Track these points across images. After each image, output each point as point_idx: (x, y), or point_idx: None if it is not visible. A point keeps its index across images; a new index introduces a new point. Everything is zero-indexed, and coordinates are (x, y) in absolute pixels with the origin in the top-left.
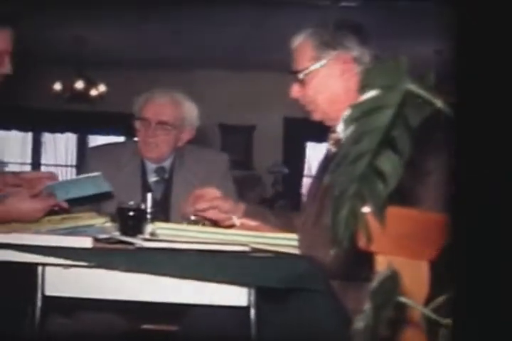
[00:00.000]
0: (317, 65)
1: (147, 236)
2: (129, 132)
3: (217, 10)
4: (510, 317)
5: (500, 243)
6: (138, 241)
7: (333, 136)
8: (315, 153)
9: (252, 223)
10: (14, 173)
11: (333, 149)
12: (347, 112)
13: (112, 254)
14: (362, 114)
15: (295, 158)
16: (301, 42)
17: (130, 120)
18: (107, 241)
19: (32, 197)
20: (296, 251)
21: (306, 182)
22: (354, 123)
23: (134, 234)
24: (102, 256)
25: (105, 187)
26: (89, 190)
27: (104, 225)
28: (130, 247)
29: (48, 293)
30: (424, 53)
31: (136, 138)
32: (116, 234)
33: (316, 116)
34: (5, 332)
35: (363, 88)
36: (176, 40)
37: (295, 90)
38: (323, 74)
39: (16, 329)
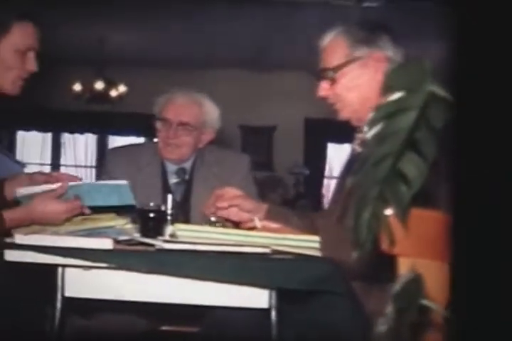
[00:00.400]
0: (350, 63)
1: (167, 238)
2: (149, 133)
3: (239, 9)
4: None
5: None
6: (158, 243)
7: (360, 136)
8: (336, 154)
9: (274, 225)
10: (41, 172)
11: (359, 149)
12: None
13: (132, 256)
14: (385, 116)
15: (316, 159)
16: (333, 40)
17: (150, 120)
18: (127, 242)
19: (58, 199)
20: (317, 253)
21: (327, 183)
22: (377, 124)
23: (154, 236)
24: (122, 258)
25: (130, 199)
26: (114, 201)
27: (124, 226)
28: (150, 249)
29: (67, 294)
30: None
31: (156, 139)
32: (137, 236)
33: (344, 115)
34: (25, 333)
35: (386, 90)
36: (197, 40)
37: (324, 88)
38: (355, 73)
39: (36, 330)
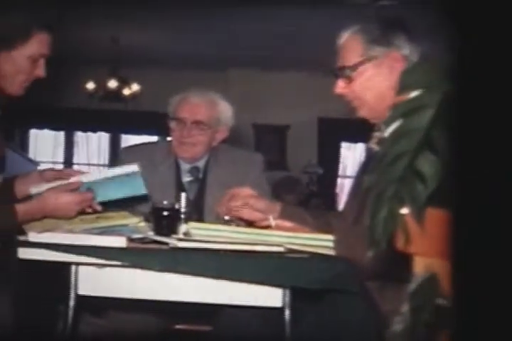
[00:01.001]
0: (366, 62)
1: (181, 236)
2: (162, 131)
3: (252, 9)
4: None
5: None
6: (172, 241)
7: (377, 134)
8: (349, 153)
9: (288, 224)
10: (52, 169)
11: (376, 148)
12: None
13: (146, 254)
14: (402, 115)
15: (329, 158)
16: (350, 38)
17: (163, 119)
18: (141, 241)
19: (70, 191)
20: (331, 252)
21: (341, 182)
22: (394, 123)
23: (168, 234)
24: (136, 256)
25: (142, 188)
26: (126, 191)
27: (137, 225)
28: (164, 247)
29: (81, 292)
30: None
31: (169, 138)
32: (151, 234)
33: (362, 113)
34: (38, 331)
35: (403, 88)
36: (210, 40)
37: (340, 86)
38: (372, 71)
39: (49, 328)
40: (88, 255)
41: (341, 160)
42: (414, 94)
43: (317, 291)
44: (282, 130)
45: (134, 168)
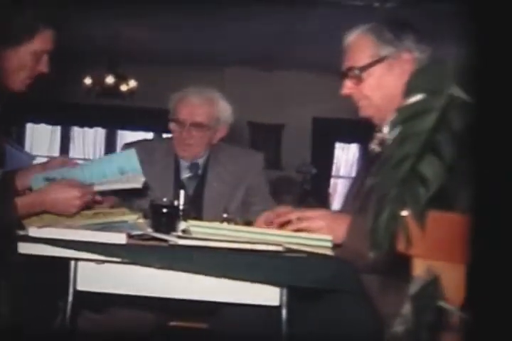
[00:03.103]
0: (377, 63)
1: (181, 234)
2: (158, 128)
3: (250, 8)
4: None
5: None
6: (172, 239)
7: (379, 135)
8: (343, 154)
9: None
10: (41, 164)
11: (377, 149)
12: (393, 115)
13: (146, 251)
14: (407, 117)
15: (323, 158)
16: (359, 38)
17: (159, 115)
18: (140, 237)
19: (71, 186)
20: (329, 252)
21: (334, 182)
22: (399, 126)
23: (166, 231)
24: (136, 253)
25: (136, 165)
26: (122, 168)
27: (136, 221)
28: (164, 244)
29: (80, 288)
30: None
31: (168, 135)
32: (150, 231)
33: (367, 113)
34: (37, 327)
35: (408, 91)
36: (208, 38)
37: (348, 86)
38: (381, 73)
39: (47, 323)
40: (88, 251)
41: (335, 160)
42: (419, 96)
43: (315, 290)
44: (277, 129)
45: (130, 150)
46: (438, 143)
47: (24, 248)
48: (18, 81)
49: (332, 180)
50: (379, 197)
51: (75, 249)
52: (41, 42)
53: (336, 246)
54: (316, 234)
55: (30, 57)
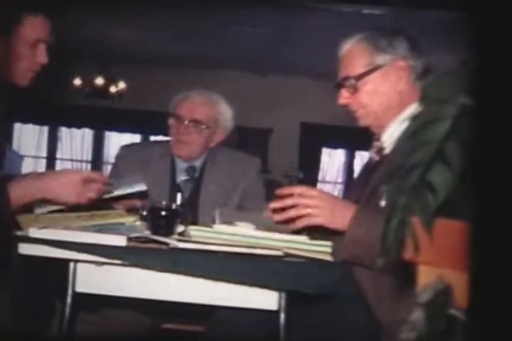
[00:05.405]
0: (372, 72)
1: (178, 237)
2: (146, 130)
3: (244, 11)
4: None
5: None
6: (172, 242)
7: (377, 144)
8: (330, 159)
9: None
10: (35, 174)
11: (376, 157)
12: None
13: (146, 254)
14: (419, 126)
15: (310, 163)
16: (353, 47)
17: (147, 118)
18: (138, 239)
19: (71, 172)
20: (328, 258)
21: (320, 187)
22: (412, 135)
23: (164, 234)
24: (136, 255)
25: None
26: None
27: (134, 223)
28: (163, 247)
29: (78, 289)
30: (448, 63)
31: (153, 138)
32: (148, 234)
33: (366, 122)
34: (35, 328)
35: (421, 101)
36: (198, 40)
37: (344, 96)
38: (379, 80)
39: (45, 325)
40: (89, 252)
41: (322, 165)
42: (432, 106)
43: (313, 295)
44: (265, 133)
45: (141, 186)
46: (448, 152)
47: (24, 249)
48: (18, 73)
49: (318, 185)
50: (388, 205)
51: (76, 250)
52: (31, 29)
53: (332, 232)
54: (315, 215)
55: (24, 47)
